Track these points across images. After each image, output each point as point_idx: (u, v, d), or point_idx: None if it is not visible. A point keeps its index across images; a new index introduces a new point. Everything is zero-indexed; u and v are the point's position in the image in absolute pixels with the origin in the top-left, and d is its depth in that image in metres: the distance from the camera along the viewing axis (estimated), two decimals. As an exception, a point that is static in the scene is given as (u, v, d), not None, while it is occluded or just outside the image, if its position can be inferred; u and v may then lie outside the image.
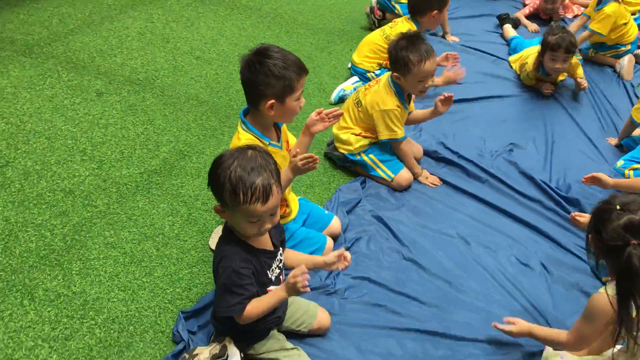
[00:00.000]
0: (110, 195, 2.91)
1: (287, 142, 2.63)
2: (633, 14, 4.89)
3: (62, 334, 2.25)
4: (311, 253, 2.62)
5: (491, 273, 2.74)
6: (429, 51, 3.01)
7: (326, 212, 2.85)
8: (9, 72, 3.75)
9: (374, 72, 3.97)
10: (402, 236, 2.89)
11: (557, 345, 2.19)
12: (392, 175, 3.17)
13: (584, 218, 2.62)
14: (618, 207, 1.94)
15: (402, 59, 3.00)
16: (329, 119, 2.52)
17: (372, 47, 4.02)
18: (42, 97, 3.56)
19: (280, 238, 2.15)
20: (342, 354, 2.29)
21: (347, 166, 3.31)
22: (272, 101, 2.31)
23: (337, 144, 3.29)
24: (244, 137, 2.41)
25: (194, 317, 2.35)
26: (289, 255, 2.36)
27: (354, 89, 3.95)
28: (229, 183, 1.83)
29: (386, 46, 3.77)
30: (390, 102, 3.09)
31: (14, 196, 2.83)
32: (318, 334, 2.34)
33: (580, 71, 4.14)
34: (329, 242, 2.70)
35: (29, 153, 3.11)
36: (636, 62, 4.74)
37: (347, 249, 2.78)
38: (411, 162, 3.26)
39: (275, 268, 2.09)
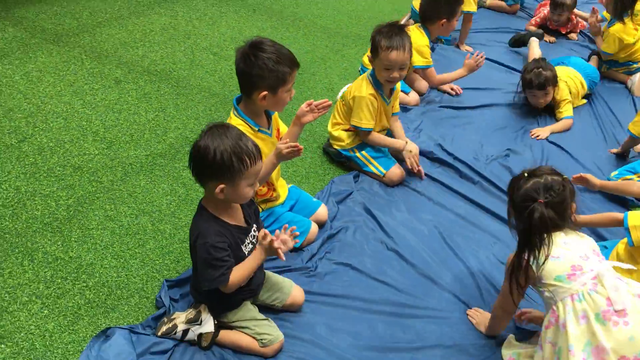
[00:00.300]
0: (115, 173, 3.11)
1: (278, 130, 2.78)
2: None
3: (54, 293, 2.44)
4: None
5: (469, 268, 2.83)
6: (401, 43, 3.12)
7: (314, 199, 2.99)
8: (37, 57, 4.00)
9: None
10: (388, 228, 3.01)
11: (496, 315, 2.41)
12: (384, 171, 3.29)
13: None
14: (526, 174, 2.18)
15: (375, 42, 3.15)
16: (318, 110, 2.66)
17: None
18: (64, 81, 3.79)
19: (254, 216, 2.29)
20: (312, 329, 2.42)
21: (342, 161, 3.44)
22: (265, 93, 2.48)
23: (331, 141, 3.42)
24: (234, 122, 2.57)
25: (177, 286, 2.51)
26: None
27: None
28: (234, 155, 2.01)
29: None
30: (364, 90, 3.22)
31: (26, 168, 3.05)
32: (291, 309, 2.48)
33: (565, 108, 4.05)
34: (314, 227, 2.83)
35: (46, 131, 3.33)
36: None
37: (332, 235, 2.91)
38: (387, 142, 3.34)
39: (249, 243, 2.24)
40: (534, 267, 2.11)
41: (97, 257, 2.62)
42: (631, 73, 4.72)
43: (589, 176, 3.01)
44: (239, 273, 2.15)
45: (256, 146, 2.10)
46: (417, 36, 4.02)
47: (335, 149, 3.40)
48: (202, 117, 3.63)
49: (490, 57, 4.86)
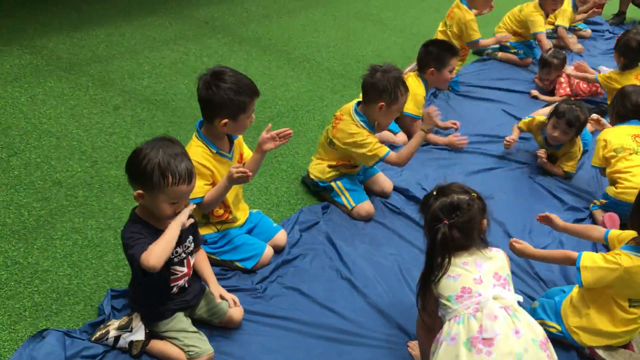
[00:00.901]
0: (92, 190, 3.24)
1: (241, 154, 2.87)
2: None
3: (5, 294, 2.54)
4: (248, 258, 2.81)
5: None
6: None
7: (275, 225, 3.04)
8: (46, 83, 4.25)
9: None
10: (347, 259, 3.03)
11: (418, 336, 2.42)
12: (353, 205, 3.33)
13: (521, 245, 2.74)
14: (435, 192, 2.19)
15: (393, 88, 3.24)
16: (279, 138, 2.75)
17: None
18: (66, 105, 4.01)
19: (189, 228, 2.35)
20: (246, 347, 2.45)
21: (319, 191, 3.49)
22: (226, 120, 2.59)
23: (310, 171, 3.49)
24: (194, 143, 2.69)
25: (122, 297, 2.58)
26: (198, 263, 2.49)
27: None
28: (158, 168, 2.09)
29: None
30: (354, 128, 3.28)
31: (9, 180, 3.21)
32: (229, 326, 2.51)
33: (570, 164, 3.99)
34: (268, 250, 2.88)
35: (37, 148, 3.51)
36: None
37: (289, 261, 2.95)
38: (410, 147, 3.34)
39: (182, 253, 2.31)
40: (432, 286, 2.13)
41: (54, 264, 2.73)
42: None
43: (553, 217, 2.97)
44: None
45: (189, 171, 2.16)
46: (414, 84, 4.09)
47: (312, 179, 3.45)
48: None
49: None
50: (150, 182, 2.10)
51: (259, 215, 3.04)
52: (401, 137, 4.16)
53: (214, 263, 2.78)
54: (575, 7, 6.50)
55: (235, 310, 2.50)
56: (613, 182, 3.55)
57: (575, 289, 2.66)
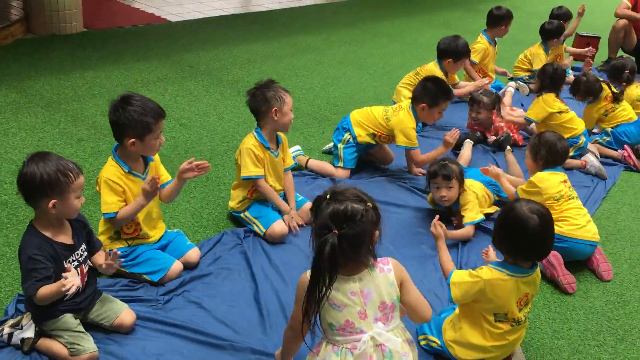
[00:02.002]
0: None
1: (159, 176, 3.11)
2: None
3: None
4: (155, 272, 3.02)
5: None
6: (286, 91, 3.60)
7: (188, 243, 3.25)
8: (23, 118, 4.64)
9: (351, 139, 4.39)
10: (258, 277, 3.19)
11: (285, 337, 2.43)
12: (264, 230, 3.51)
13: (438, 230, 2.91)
14: (328, 196, 2.10)
15: (264, 99, 3.51)
16: (198, 169, 3.03)
17: (369, 117, 4.37)
18: (34, 137, 4.37)
19: (84, 236, 2.60)
20: (131, 351, 2.62)
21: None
22: (133, 140, 2.87)
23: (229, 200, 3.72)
24: (109, 164, 2.98)
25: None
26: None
27: (294, 156, 4.32)
28: (59, 172, 2.40)
29: (381, 123, 4.30)
30: (247, 142, 3.52)
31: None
32: (120, 330, 2.70)
33: (468, 215, 3.71)
34: (176, 265, 3.08)
35: (-5, 173, 3.86)
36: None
37: (200, 276, 3.14)
38: (274, 199, 3.57)
39: (74, 260, 2.54)
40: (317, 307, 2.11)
41: (-21, 272, 3.00)
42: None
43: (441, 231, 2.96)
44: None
45: (77, 165, 2.48)
46: (405, 117, 4.24)
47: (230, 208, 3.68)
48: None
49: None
50: (59, 186, 2.39)
51: (175, 233, 3.26)
52: (341, 172, 4.34)
53: (122, 275, 3.01)
54: (546, 50, 6.68)
55: (126, 315, 2.69)
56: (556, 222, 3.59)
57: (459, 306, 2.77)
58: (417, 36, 8.50)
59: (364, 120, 4.41)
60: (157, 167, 3.16)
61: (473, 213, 3.71)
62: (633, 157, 5.14)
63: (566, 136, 4.39)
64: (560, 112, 4.94)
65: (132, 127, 2.86)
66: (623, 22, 7.77)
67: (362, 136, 4.39)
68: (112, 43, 6.56)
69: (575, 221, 3.57)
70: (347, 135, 4.47)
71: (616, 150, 5.23)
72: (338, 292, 2.13)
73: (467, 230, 3.70)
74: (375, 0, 10.62)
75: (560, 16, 7.07)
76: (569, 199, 3.63)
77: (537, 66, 6.42)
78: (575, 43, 8.29)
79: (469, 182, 3.87)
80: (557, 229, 3.44)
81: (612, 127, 5.28)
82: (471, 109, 5.12)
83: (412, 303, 2.29)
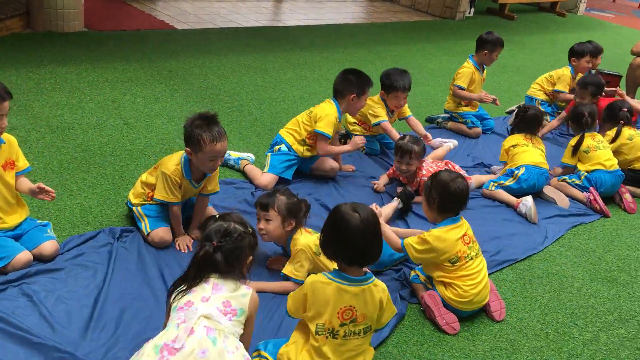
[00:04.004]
0: None
1: (12, 161, 3.12)
2: None
3: None
4: (-4, 259, 2.98)
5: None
6: (221, 133, 3.29)
7: (47, 234, 3.17)
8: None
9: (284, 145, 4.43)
10: (112, 279, 3.09)
11: None
12: (149, 230, 3.41)
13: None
14: (217, 216, 2.46)
15: (196, 137, 3.25)
16: (47, 193, 3.08)
17: (295, 122, 4.50)
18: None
19: None
20: None
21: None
22: None
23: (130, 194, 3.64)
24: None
25: None
26: None
27: (239, 159, 4.45)
28: None
29: (305, 122, 4.38)
30: (171, 166, 3.39)
31: None
32: None
33: (287, 267, 3.28)
34: (23, 255, 3.01)
35: None
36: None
37: (49, 271, 3.06)
38: (175, 225, 3.49)
39: None
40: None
41: None
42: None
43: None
44: None
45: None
46: (327, 107, 4.38)
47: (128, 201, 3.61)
48: (69, 171, 4.05)
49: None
50: None
51: (34, 223, 3.20)
52: (265, 177, 4.25)
53: (-34, 261, 2.97)
54: (573, 72, 6.42)
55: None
56: (443, 284, 3.28)
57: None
58: (424, 62, 8.28)
59: (291, 127, 4.49)
60: (11, 152, 3.11)
61: (291, 267, 3.23)
62: (599, 201, 4.73)
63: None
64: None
65: None
66: (640, 59, 7.30)
67: (295, 144, 4.43)
68: (105, 44, 6.68)
69: (463, 291, 3.21)
70: (278, 147, 4.42)
71: (582, 192, 4.84)
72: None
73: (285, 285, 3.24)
74: (400, 26, 10.46)
75: (590, 51, 6.66)
76: (466, 261, 3.23)
77: (561, 87, 6.43)
78: (594, 80, 7.83)
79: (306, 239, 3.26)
80: (442, 291, 3.20)
81: (587, 172, 4.89)
82: (400, 159, 4.35)
83: (246, 335, 2.42)
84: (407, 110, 5.15)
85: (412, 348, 3.06)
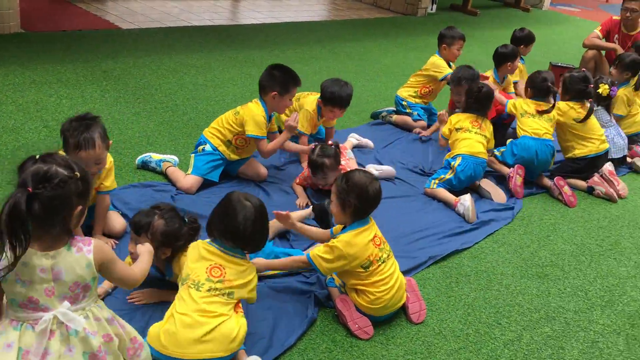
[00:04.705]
0: None
1: None
2: None
3: None
4: None
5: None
6: (88, 140, 3.00)
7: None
8: None
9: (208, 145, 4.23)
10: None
11: None
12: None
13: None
14: (38, 156, 2.04)
15: (64, 140, 3.06)
16: None
17: (219, 122, 4.27)
18: None
19: None
20: None
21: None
22: None
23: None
24: None
25: None
26: None
27: (161, 161, 4.26)
28: None
29: (231, 122, 4.17)
30: None
31: None
32: None
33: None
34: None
35: None
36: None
37: None
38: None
39: None
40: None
41: None
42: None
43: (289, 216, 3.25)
44: None
45: None
46: (254, 107, 4.15)
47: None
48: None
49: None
50: None
51: None
52: (188, 179, 4.03)
53: None
54: (497, 77, 6.06)
55: None
56: (356, 291, 3.09)
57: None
58: (379, 57, 8.13)
59: (216, 127, 4.26)
60: None
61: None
62: (516, 181, 4.59)
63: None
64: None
65: None
66: (592, 52, 7.24)
67: (221, 146, 4.22)
68: (40, 45, 6.43)
69: (376, 297, 3.02)
70: (202, 147, 4.23)
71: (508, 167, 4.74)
72: (27, 267, 2.00)
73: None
74: (360, 23, 10.32)
75: (522, 39, 6.42)
76: (379, 265, 3.03)
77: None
78: (549, 73, 7.72)
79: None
80: (354, 298, 3.03)
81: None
82: (314, 175, 4.07)
83: (117, 281, 2.32)
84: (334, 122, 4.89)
85: (320, 355, 2.88)
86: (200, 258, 2.66)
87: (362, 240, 3.02)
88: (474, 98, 4.69)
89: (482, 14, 12.18)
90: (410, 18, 11.01)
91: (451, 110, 5.29)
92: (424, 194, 4.54)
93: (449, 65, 5.70)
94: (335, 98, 4.50)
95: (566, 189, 4.73)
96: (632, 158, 5.56)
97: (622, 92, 5.62)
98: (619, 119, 5.64)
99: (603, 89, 5.22)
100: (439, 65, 5.60)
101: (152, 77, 6.08)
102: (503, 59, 5.67)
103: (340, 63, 7.50)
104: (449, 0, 12.43)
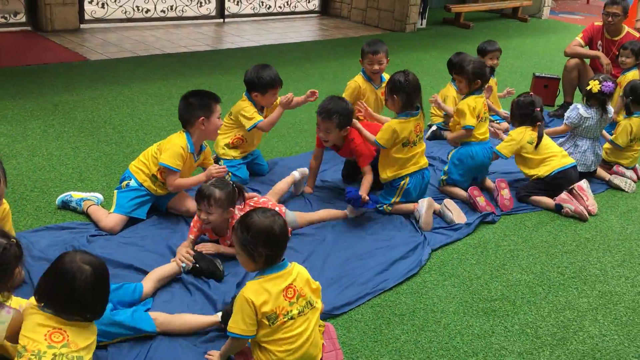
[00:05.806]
0: None
1: None
2: None
3: None
4: None
5: None
6: None
7: None
8: None
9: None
10: None
11: None
12: None
13: None
14: None
15: None
16: None
17: (145, 155, 4.01)
18: None
19: None
20: None
21: None
22: None
23: None
24: None
25: None
26: None
27: (82, 200, 4.00)
28: None
29: (154, 155, 3.92)
30: None
31: None
32: None
33: None
34: None
35: None
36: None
37: None
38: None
39: None
40: None
41: None
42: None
43: None
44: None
45: None
46: (175, 137, 3.92)
47: None
48: None
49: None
50: None
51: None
52: (111, 218, 3.82)
53: None
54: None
55: None
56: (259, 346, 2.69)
57: None
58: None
59: (143, 159, 4.00)
60: None
61: None
62: (504, 196, 4.29)
63: None
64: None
65: None
66: (575, 61, 6.85)
67: (147, 181, 3.95)
68: (3, 80, 6.29)
69: (277, 358, 2.63)
70: (126, 182, 3.96)
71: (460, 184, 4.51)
72: None
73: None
74: (341, 43, 10.07)
75: (487, 51, 6.06)
76: (285, 321, 2.63)
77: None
78: (533, 85, 7.34)
79: None
80: (257, 355, 2.71)
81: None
82: (198, 206, 3.46)
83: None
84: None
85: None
86: (36, 326, 2.33)
87: (273, 289, 2.62)
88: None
89: (476, 27, 11.83)
90: (398, 35, 10.72)
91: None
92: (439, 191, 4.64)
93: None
94: (255, 83, 4.49)
95: (505, 192, 4.47)
96: (610, 175, 5.13)
97: (627, 122, 5.11)
98: (618, 149, 5.21)
99: (593, 84, 4.87)
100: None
101: (105, 108, 5.86)
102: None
103: (312, 84, 7.23)
104: (441, 14, 12.11)
